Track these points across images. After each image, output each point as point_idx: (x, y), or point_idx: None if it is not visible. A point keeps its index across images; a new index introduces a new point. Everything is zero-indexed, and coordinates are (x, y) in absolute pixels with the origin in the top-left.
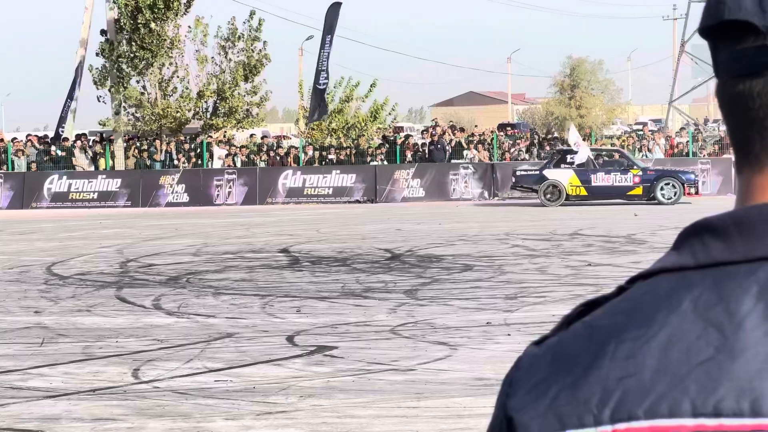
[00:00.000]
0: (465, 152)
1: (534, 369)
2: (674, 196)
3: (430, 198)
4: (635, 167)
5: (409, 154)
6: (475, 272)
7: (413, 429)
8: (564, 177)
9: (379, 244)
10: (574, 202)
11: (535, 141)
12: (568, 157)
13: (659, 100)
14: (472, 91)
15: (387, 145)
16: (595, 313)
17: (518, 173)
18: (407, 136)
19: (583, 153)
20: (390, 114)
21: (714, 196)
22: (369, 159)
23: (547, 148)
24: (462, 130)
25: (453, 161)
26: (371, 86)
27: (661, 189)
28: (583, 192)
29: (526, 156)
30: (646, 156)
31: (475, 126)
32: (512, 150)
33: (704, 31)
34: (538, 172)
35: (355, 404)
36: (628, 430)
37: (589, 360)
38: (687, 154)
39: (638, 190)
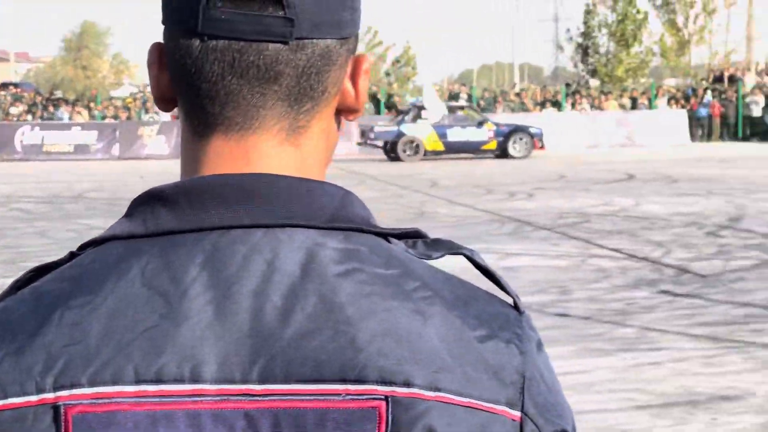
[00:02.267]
0: None
1: None
2: (525, 149)
3: None
4: (489, 122)
5: None
6: None
7: None
8: (423, 132)
9: None
10: (430, 157)
11: (38, 101)
12: (423, 113)
13: None
14: None
15: None
16: (45, 278)
17: (376, 129)
18: None
19: (439, 109)
20: None
21: None
22: None
23: (50, 108)
24: None
25: None
26: None
27: (514, 143)
28: (440, 147)
29: (29, 117)
30: None
31: None
32: (12, 110)
33: None
34: (396, 129)
35: None
36: (71, 397)
37: (35, 326)
38: None
39: (492, 145)
